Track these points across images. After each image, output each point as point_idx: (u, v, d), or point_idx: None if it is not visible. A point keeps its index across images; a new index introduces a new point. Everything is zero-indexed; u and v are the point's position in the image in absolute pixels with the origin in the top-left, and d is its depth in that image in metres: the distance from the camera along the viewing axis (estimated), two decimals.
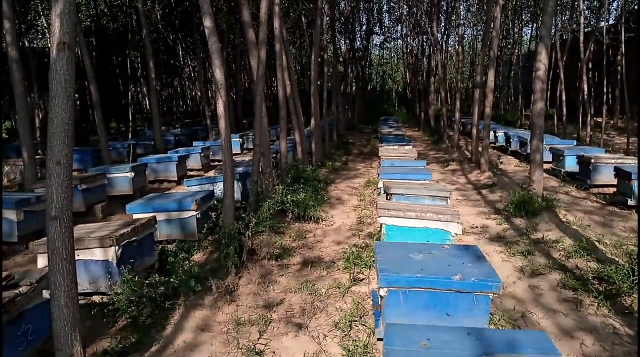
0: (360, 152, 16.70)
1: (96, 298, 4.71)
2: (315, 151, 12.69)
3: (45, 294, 3.54)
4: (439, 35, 22.22)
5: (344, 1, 22.96)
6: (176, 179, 10.96)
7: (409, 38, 30.01)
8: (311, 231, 6.95)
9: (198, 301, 4.62)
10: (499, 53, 19.95)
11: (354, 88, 29.87)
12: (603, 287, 4.58)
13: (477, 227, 7.00)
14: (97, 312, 4.31)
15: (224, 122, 6.02)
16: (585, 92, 15.66)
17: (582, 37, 15.10)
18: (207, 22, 5.88)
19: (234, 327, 4.07)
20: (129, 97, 24.41)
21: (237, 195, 7.86)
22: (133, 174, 9.31)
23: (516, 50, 26.14)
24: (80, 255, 4.46)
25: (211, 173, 10.78)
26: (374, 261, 4.78)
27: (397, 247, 3.95)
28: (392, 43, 37.22)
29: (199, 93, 33.25)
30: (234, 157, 7.14)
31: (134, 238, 4.92)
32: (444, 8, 23.21)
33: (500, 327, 3.90)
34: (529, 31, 34.62)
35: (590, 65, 17.51)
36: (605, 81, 17.71)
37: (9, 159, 11.96)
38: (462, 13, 23.55)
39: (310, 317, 4.23)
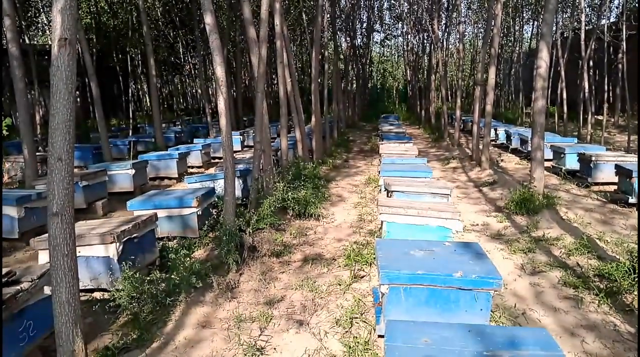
0: (360, 150, 16.69)
1: (97, 294, 4.73)
2: (315, 149, 12.69)
3: (47, 290, 3.55)
4: (440, 32, 22.18)
5: None
6: (177, 176, 10.96)
7: (409, 35, 29.93)
8: (312, 228, 6.95)
9: (199, 297, 4.62)
10: (499, 51, 19.91)
11: (354, 86, 29.82)
12: (604, 284, 4.58)
13: (477, 224, 7.00)
14: (98, 309, 4.32)
15: (225, 120, 6.01)
16: (586, 90, 15.64)
17: (583, 35, 15.06)
18: (208, 19, 5.86)
19: (235, 323, 4.07)
20: (130, 95, 24.39)
21: (238, 192, 7.86)
22: (134, 171, 9.31)
23: (517, 48, 26.10)
24: (82, 251, 4.47)
25: (212, 170, 10.78)
26: (374, 258, 4.79)
27: (398, 245, 3.95)
28: (392, 41, 37.18)
29: (199, 90, 33.24)
30: (234, 155, 7.14)
31: (135, 235, 4.93)
32: (445, 5, 23.14)
33: (501, 325, 3.90)
34: (530, 29, 34.56)
35: (591, 63, 17.50)
36: (606, 79, 17.68)
37: (9, 156, 11.95)
38: (463, 10, 23.48)
39: (311, 314, 4.23)
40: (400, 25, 32.34)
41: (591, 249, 5.48)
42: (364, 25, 28.71)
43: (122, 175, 9.29)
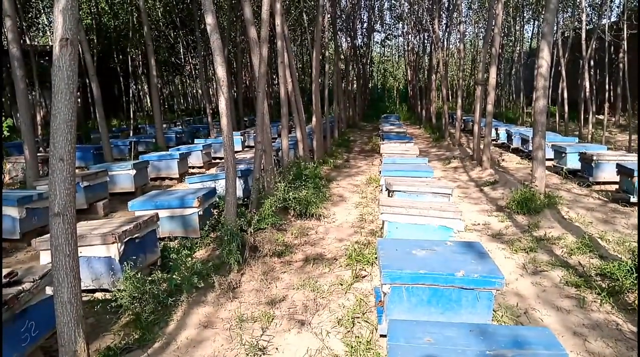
0: (361, 150, 16.69)
1: (99, 295, 4.73)
2: (316, 149, 12.69)
3: (49, 290, 3.55)
4: (441, 32, 22.18)
5: None
6: (178, 176, 10.97)
7: (410, 35, 29.93)
8: (313, 228, 6.95)
9: (201, 297, 4.62)
10: (500, 50, 19.89)
11: (355, 86, 29.83)
12: (606, 284, 4.57)
13: (479, 224, 6.99)
14: (100, 309, 4.31)
15: (226, 120, 6.01)
16: (587, 90, 15.62)
17: (584, 35, 15.05)
18: (209, 19, 5.86)
19: (236, 323, 4.07)
20: (130, 95, 24.40)
21: (239, 192, 7.86)
22: (135, 171, 9.31)
23: (517, 48, 26.07)
24: (83, 252, 4.46)
25: (213, 170, 10.78)
26: (376, 257, 4.79)
27: (400, 244, 3.95)
28: (393, 40, 37.18)
29: (199, 91, 33.28)
30: (235, 155, 7.14)
31: (137, 235, 4.93)
32: (446, 5, 23.16)
33: (504, 324, 3.90)
34: (531, 28, 34.55)
35: (592, 63, 17.47)
36: (607, 78, 17.66)
37: (10, 156, 11.96)
38: (463, 10, 23.46)
39: (313, 313, 4.23)
40: (400, 25, 32.39)
41: (593, 249, 5.47)
42: (365, 25, 28.75)
43: (123, 175, 9.30)
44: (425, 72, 28.70)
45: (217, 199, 7.22)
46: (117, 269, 4.60)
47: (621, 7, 19.88)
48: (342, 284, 4.80)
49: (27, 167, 8.88)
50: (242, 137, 15.90)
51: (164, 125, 17.92)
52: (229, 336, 3.91)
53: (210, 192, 6.94)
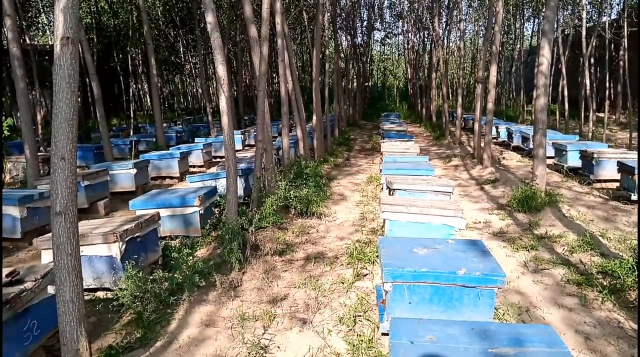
0: (362, 148, 16.69)
1: (100, 294, 4.73)
2: (317, 147, 12.69)
3: (51, 289, 3.55)
4: (441, 30, 22.16)
5: None
6: (178, 175, 10.97)
7: (410, 34, 29.90)
8: (314, 226, 6.95)
9: (202, 296, 4.62)
10: (500, 48, 19.86)
11: (355, 84, 29.80)
12: (607, 281, 4.58)
13: (480, 222, 6.99)
14: (102, 308, 4.32)
15: (227, 118, 6.00)
16: (588, 87, 15.61)
17: (584, 32, 15.03)
18: (210, 18, 5.86)
19: (238, 322, 4.07)
20: (130, 94, 24.40)
21: (240, 191, 7.86)
22: (135, 170, 9.31)
23: (518, 46, 26.04)
24: (85, 251, 4.46)
25: (213, 169, 10.77)
26: (377, 256, 4.79)
27: (401, 243, 3.95)
28: (393, 39, 37.16)
29: (200, 90, 33.25)
30: (236, 153, 7.13)
31: (138, 234, 4.93)
32: (446, 3, 23.11)
33: (505, 322, 3.90)
34: (531, 26, 34.51)
35: (592, 61, 17.45)
36: (607, 76, 17.63)
37: (11, 156, 11.96)
38: (463, 8, 23.46)
39: (315, 312, 4.23)
40: (400, 23, 32.37)
41: (594, 246, 5.47)
42: (365, 23, 28.73)
43: (124, 174, 9.30)
44: (426, 70, 28.67)
45: (218, 198, 7.22)
46: (118, 268, 4.60)
47: (621, 4, 19.85)
48: (343, 283, 4.80)
49: (28, 167, 8.89)
50: (242, 136, 15.89)
51: (165, 125, 17.92)
52: (230, 334, 3.91)
53: (211, 191, 6.94)
